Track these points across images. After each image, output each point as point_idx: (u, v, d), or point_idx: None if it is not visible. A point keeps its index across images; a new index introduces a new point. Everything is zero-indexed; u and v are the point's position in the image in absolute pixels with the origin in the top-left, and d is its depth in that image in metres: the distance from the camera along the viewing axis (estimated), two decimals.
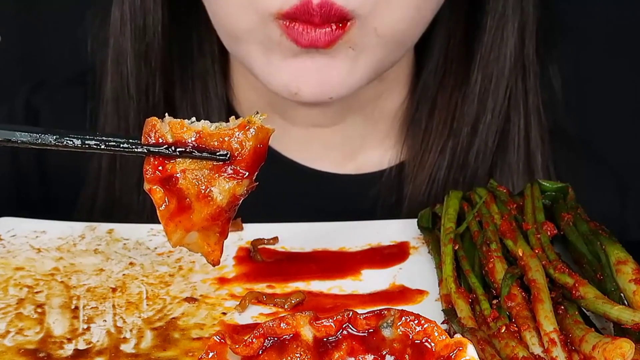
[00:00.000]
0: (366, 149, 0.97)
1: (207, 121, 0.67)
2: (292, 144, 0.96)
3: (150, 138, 0.66)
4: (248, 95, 0.95)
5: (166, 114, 0.68)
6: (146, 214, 0.93)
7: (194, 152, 0.66)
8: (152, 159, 0.66)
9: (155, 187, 0.67)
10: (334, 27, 0.78)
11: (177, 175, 0.66)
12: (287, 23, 0.78)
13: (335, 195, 0.96)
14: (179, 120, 0.67)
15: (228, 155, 0.66)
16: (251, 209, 0.95)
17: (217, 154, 0.66)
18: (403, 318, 0.60)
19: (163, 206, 0.66)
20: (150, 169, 0.66)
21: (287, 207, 0.94)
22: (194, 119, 0.67)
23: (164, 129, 0.66)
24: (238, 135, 0.66)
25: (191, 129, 0.66)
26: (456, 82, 0.94)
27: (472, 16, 0.93)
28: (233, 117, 0.68)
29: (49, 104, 1.00)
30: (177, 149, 0.66)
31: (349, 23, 0.79)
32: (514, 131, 0.94)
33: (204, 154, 0.66)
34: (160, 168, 0.66)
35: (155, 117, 0.67)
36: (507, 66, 0.92)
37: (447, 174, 0.94)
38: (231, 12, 0.82)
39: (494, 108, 0.93)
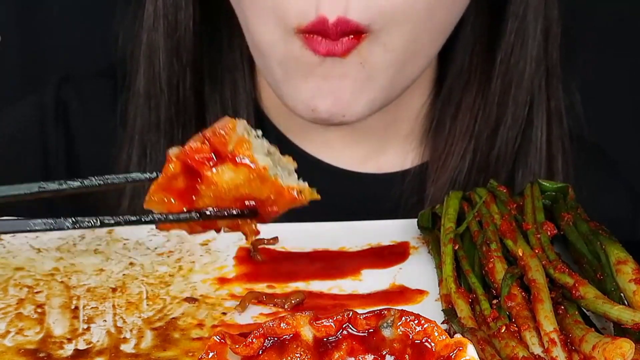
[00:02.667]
0: (388, 148, 0.98)
1: (269, 162, 0.66)
2: (314, 141, 0.97)
3: (214, 134, 0.65)
4: (272, 93, 0.95)
5: (244, 122, 0.66)
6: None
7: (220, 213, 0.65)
8: (206, 143, 0.65)
9: (176, 162, 0.65)
10: (351, 37, 0.80)
11: (206, 179, 0.65)
12: (307, 35, 0.80)
13: (357, 194, 0.97)
14: (248, 138, 0.66)
15: (255, 213, 0.66)
16: None
17: (246, 210, 0.66)
18: (403, 318, 0.60)
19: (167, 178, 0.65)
20: (191, 149, 0.65)
21: (309, 204, 0.95)
22: (266, 145, 0.66)
23: (233, 137, 0.65)
24: (283, 197, 0.66)
25: (254, 159, 0.66)
26: (479, 85, 0.94)
27: (496, 21, 0.93)
28: (293, 167, 0.67)
29: (78, 97, 1.00)
30: (205, 214, 0.65)
31: (363, 35, 0.80)
32: (536, 135, 0.94)
33: (233, 212, 0.65)
34: (197, 159, 0.65)
35: (233, 120, 0.66)
36: (528, 70, 0.92)
37: (469, 176, 0.94)
38: (256, 24, 0.83)
39: (515, 112, 0.93)
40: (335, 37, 0.79)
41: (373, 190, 0.97)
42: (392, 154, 0.98)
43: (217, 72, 0.95)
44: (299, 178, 0.96)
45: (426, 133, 0.98)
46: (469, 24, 0.94)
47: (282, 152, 0.96)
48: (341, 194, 0.96)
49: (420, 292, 0.73)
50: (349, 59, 0.81)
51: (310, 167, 0.96)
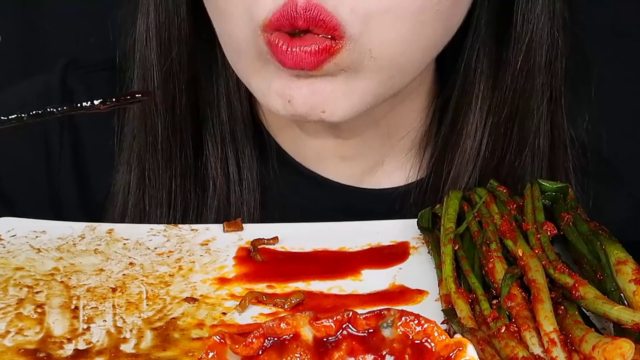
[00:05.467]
0: (386, 163, 0.97)
1: None
2: (312, 156, 0.96)
3: None
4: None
5: None
6: None
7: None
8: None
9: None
10: (319, 46, 0.75)
11: None
12: (272, 36, 0.76)
13: (355, 209, 0.96)
14: None
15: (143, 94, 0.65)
16: (272, 219, 0.95)
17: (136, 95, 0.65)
18: (403, 318, 0.60)
19: None
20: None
21: (307, 219, 0.94)
22: None
23: None
24: None
25: None
26: (481, 115, 0.92)
27: (501, 47, 0.91)
28: None
29: (84, 86, 1.00)
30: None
31: (338, 45, 0.76)
32: (538, 164, 0.93)
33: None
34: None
35: None
36: (534, 100, 0.90)
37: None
38: (227, 21, 0.81)
39: (520, 142, 0.92)
40: (303, 24, 0.74)
41: (372, 206, 0.96)
42: (389, 169, 0.97)
43: (213, 96, 0.94)
44: (297, 192, 0.96)
45: (424, 150, 0.97)
46: (472, 49, 0.92)
47: (281, 167, 0.96)
48: (339, 209, 0.96)
49: (420, 292, 0.73)
50: (325, 70, 0.77)
51: (309, 182, 0.96)
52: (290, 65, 0.76)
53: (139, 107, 0.93)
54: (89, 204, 0.99)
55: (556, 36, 0.90)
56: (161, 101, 0.92)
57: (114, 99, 0.65)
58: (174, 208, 0.94)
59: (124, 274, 0.76)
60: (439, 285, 0.72)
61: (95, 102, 0.65)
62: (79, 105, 0.66)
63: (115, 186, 0.96)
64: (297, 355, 0.60)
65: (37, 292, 0.73)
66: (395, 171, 0.97)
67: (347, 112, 0.80)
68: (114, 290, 0.73)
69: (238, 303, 0.71)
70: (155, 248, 0.79)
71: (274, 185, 0.96)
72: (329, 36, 0.76)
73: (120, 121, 0.96)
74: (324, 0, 0.75)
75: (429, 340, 0.59)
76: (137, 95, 0.65)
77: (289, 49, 0.76)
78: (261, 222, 0.93)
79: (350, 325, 0.60)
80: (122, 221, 0.94)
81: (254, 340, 0.60)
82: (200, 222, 0.93)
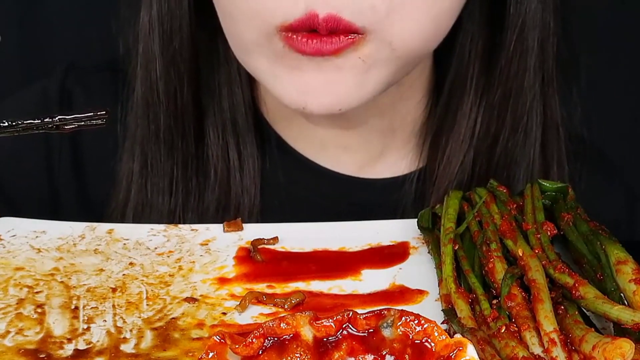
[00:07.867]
0: (386, 154, 0.98)
1: None
2: (313, 145, 0.96)
3: None
4: (271, 98, 0.95)
5: None
6: (178, 215, 0.93)
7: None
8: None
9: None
10: (342, 38, 0.78)
11: None
12: (290, 34, 0.78)
13: (356, 199, 0.96)
14: None
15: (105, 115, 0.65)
16: (272, 209, 0.95)
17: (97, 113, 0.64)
18: (403, 318, 0.60)
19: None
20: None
21: (307, 208, 0.95)
22: None
23: None
24: None
25: None
26: (475, 95, 0.94)
27: (493, 29, 0.93)
28: None
29: (83, 88, 1.00)
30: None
31: (359, 36, 0.78)
32: (530, 144, 0.94)
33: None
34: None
35: None
36: (527, 81, 0.92)
37: (469, 184, 0.94)
38: (239, 23, 0.82)
39: (514, 122, 0.93)
40: (325, 32, 0.77)
41: (371, 196, 0.97)
42: (390, 160, 0.98)
43: (215, 84, 0.95)
44: (297, 182, 0.96)
45: (424, 140, 0.98)
46: (467, 33, 0.93)
47: (282, 157, 0.96)
48: (340, 199, 0.96)
49: (420, 292, 0.73)
50: (344, 55, 0.79)
51: (309, 172, 0.96)
52: (311, 52, 0.78)
53: (141, 95, 0.94)
54: (89, 201, 0.99)
55: (548, 20, 0.91)
56: (163, 91, 0.93)
57: (73, 117, 0.65)
58: (175, 195, 0.94)
59: (124, 274, 0.76)
60: (439, 285, 0.72)
61: (55, 118, 0.65)
62: (40, 120, 0.66)
63: (119, 174, 0.96)
64: (297, 355, 0.60)
65: (37, 292, 0.73)
66: (396, 161, 0.98)
67: (360, 102, 0.83)
68: (114, 290, 0.73)
69: (238, 303, 0.71)
70: (155, 248, 0.79)
71: (274, 174, 0.96)
72: (349, 37, 0.78)
73: (124, 110, 0.96)
74: (343, 11, 0.77)
75: (429, 340, 0.59)
76: (97, 114, 0.65)
77: (309, 40, 0.78)
78: (261, 210, 0.94)
79: (350, 325, 0.60)
80: (125, 208, 0.95)
81: (254, 340, 0.60)
82: (201, 210, 0.94)
